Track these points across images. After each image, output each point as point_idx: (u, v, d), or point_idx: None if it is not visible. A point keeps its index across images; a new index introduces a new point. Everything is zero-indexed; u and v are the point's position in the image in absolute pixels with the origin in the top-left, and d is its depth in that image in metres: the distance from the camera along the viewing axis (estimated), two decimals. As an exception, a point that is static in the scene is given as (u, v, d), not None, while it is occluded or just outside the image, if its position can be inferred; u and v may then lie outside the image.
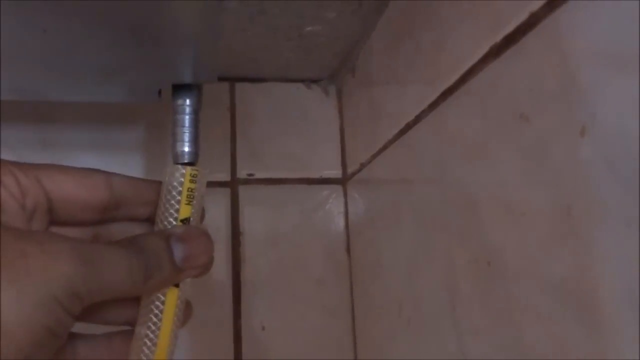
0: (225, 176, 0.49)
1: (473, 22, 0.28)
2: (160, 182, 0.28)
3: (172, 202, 0.28)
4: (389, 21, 0.40)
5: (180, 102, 0.33)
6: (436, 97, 0.32)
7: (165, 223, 0.27)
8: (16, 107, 0.45)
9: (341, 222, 0.50)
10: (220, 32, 0.28)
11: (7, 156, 0.46)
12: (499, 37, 0.26)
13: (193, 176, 0.28)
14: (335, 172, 0.51)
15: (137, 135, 0.48)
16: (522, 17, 0.24)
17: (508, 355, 0.25)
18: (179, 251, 0.25)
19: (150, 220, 0.29)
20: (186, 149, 0.32)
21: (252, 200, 0.49)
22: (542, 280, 0.23)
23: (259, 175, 0.49)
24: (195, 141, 0.32)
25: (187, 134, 0.32)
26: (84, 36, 0.27)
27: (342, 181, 0.51)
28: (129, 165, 0.47)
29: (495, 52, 0.26)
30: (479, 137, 0.28)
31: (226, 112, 0.50)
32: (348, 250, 0.50)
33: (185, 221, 0.27)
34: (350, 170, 0.50)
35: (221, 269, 0.47)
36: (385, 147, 0.40)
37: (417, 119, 0.35)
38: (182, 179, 0.28)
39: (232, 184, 0.49)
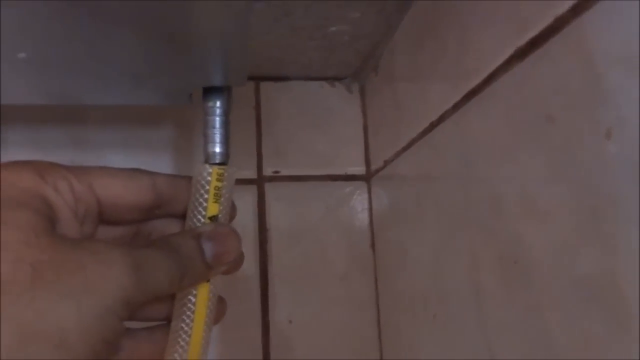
0: (251, 174, 0.50)
1: (497, 24, 0.29)
2: (188, 179, 0.30)
3: (201, 200, 0.29)
4: (412, 21, 0.41)
5: (210, 104, 0.34)
6: (460, 97, 0.33)
7: (195, 220, 0.28)
8: (47, 108, 0.47)
9: (365, 218, 0.51)
10: (249, 35, 0.29)
11: (38, 156, 0.47)
12: (524, 40, 0.26)
13: (220, 174, 0.29)
14: (359, 169, 0.51)
15: (166, 136, 0.49)
16: (548, 20, 0.24)
17: (534, 352, 0.26)
18: (208, 249, 0.26)
19: (185, 216, 0.30)
20: (217, 149, 0.33)
21: (278, 197, 0.50)
22: (568, 279, 0.23)
23: (284, 172, 0.50)
24: (226, 142, 0.33)
25: (217, 135, 0.33)
26: (119, 42, 0.28)
27: (366, 178, 0.51)
28: (157, 164, 0.48)
29: (520, 54, 0.26)
30: (504, 137, 0.28)
31: (252, 111, 0.51)
32: (372, 245, 0.50)
33: (214, 218, 0.28)
34: (374, 167, 0.50)
35: (249, 264, 0.48)
36: (409, 145, 0.41)
37: (441, 118, 0.35)
38: (209, 178, 0.29)
39: (259, 182, 0.50)
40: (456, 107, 0.33)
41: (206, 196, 0.29)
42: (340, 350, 0.48)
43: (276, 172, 0.50)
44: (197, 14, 0.26)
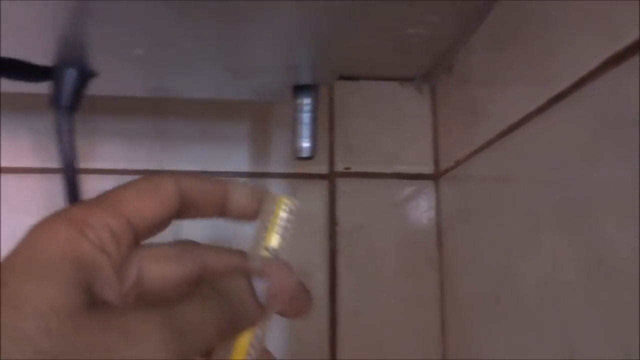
0: (324, 169, 0.51)
1: (589, 30, 0.29)
2: (226, 186, 0.27)
3: (262, 229, 0.26)
4: (492, 24, 0.41)
5: (299, 101, 0.36)
6: (545, 101, 0.33)
7: (254, 252, 0.26)
8: (135, 100, 0.50)
9: (432, 216, 0.52)
10: (345, 37, 0.31)
11: (123, 145, 0.50)
12: (618, 47, 0.27)
13: (286, 205, 0.27)
14: (428, 168, 0.52)
15: (242, 129, 0.51)
16: (647, 28, 0.25)
17: (617, 353, 0.26)
18: (260, 287, 0.24)
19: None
20: (306, 144, 0.35)
21: (348, 192, 0.51)
22: (661, 280, 0.24)
23: (355, 168, 0.52)
24: (314, 137, 0.35)
25: (306, 131, 0.35)
26: (225, 42, 0.30)
27: (434, 177, 0.52)
28: (233, 156, 0.51)
29: (614, 60, 0.27)
30: (591, 141, 0.29)
31: (325, 108, 0.52)
32: (439, 243, 0.51)
33: (272, 250, 0.26)
34: (443, 166, 0.51)
35: (318, 257, 0.50)
36: (485, 146, 0.42)
37: (523, 120, 0.36)
38: (274, 206, 0.26)
39: (330, 177, 0.52)
40: (540, 110, 0.34)
41: (267, 225, 0.26)
42: (404, 344, 0.50)
43: (347, 168, 0.52)
44: (300, 15, 0.28)
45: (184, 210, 0.25)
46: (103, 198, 0.23)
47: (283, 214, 0.26)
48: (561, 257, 0.32)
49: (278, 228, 0.26)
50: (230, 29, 0.28)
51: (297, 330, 0.49)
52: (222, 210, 0.26)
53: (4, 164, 0.49)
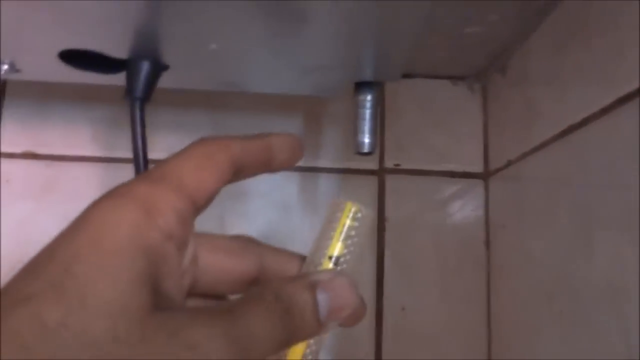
0: (374, 165, 0.52)
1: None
2: (269, 141, 0.25)
3: (326, 236, 0.25)
4: (554, 23, 0.41)
5: (362, 97, 0.36)
6: (610, 102, 0.33)
7: (315, 258, 0.25)
8: (191, 95, 0.51)
9: (481, 215, 0.52)
10: (414, 35, 0.31)
11: (181, 136, 0.52)
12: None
13: (354, 213, 0.25)
14: (477, 167, 0.53)
15: (296, 123, 0.52)
16: None
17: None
18: (323, 303, 0.22)
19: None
20: (366, 140, 0.36)
21: (397, 189, 0.52)
22: None
23: (404, 165, 0.52)
24: (375, 133, 0.36)
25: (367, 126, 0.36)
26: (295, 39, 0.31)
27: (483, 176, 0.52)
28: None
29: (689, 62, 0.27)
30: (659, 143, 0.29)
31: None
32: (487, 242, 0.51)
33: (335, 260, 0.24)
34: (493, 165, 0.51)
35: (367, 252, 0.51)
36: (541, 147, 0.42)
37: (584, 121, 0.36)
38: (340, 214, 0.25)
39: (380, 173, 0.52)
40: (605, 111, 0.34)
41: (332, 233, 0.25)
42: (448, 341, 0.50)
43: (397, 165, 0.52)
44: (375, 14, 0.28)
45: (237, 174, 0.24)
46: (164, 172, 0.21)
47: (349, 222, 0.25)
48: (621, 258, 0.32)
49: (343, 236, 0.24)
50: (296, 28, 0.29)
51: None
52: (268, 167, 0.25)
53: (63, 151, 0.51)
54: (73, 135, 0.52)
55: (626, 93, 0.32)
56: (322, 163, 0.52)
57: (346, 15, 0.28)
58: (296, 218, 0.50)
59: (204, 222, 0.24)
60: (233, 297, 0.26)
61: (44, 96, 0.52)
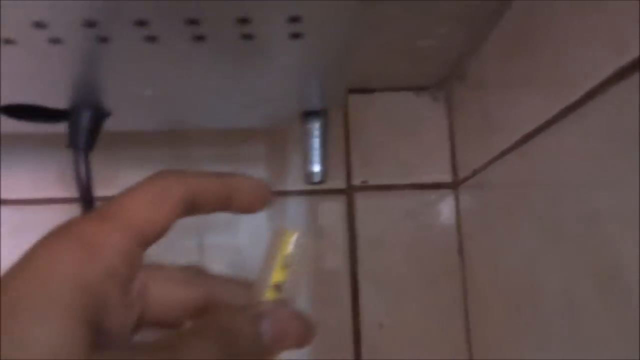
0: (341, 184, 0.52)
1: (601, 38, 0.29)
2: (230, 180, 0.26)
3: (268, 264, 0.26)
4: (503, 32, 0.41)
5: (309, 126, 0.36)
6: (558, 111, 0.33)
7: (259, 287, 0.25)
8: (154, 131, 0.51)
9: (452, 225, 0.52)
10: (349, 63, 0.31)
11: (143, 172, 0.52)
12: (625, 60, 0.26)
13: (294, 240, 0.26)
14: (446, 177, 0.52)
15: (258, 152, 0.52)
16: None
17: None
18: (267, 334, 0.23)
19: None
20: (316, 169, 0.35)
21: (366, 205, 0.52)
22: (676, 300, 0.23)
23: (372, 182, 0.52)
24: (324, 161, 0.36)
25: (316, 156, 0.36)
26: (232, 79, 0.31)
27: (452, 185, 0.52)
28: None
29: (622, 73, 0.27)
30: (603, 154, 0.29)
31: (340, 123, 0.52)
32: (460, 252, 0.51)
33: (279, 287, 0.25)
34: (461, 174, 0.51)
35: (340, 270, 0.51)
36: (501, 156, 0.41)
37: (536, 130, 0.36)
38: (280, 241, 0.26)
39: (348, 191, 0.52)
40: (553, 120, 0.33)
41: (274, 261, 0.25)
42: (429, 354, 0.50)
43: (364, 182, 0.52)
44: (302, 49, 0.28)
45: (191, 210, 0.24)
46: (113, 210, 0.21)
47: (290, 248, 0.25)
48: (578, 270, 0.31)
49: (284, 263, 0.25)
50: (235, 67, 0.28)
51: (320, 344, 0.49)
52: (227, 206, 0.25)
53: (30, 195, 0.51)
54: (40, 178, 0.52)
55: (568, 104, 0.31)
56: (290, 186, 0.51)
57: (279, 55, 0.28)
58: (264, 242, 0.50)
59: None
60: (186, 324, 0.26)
61: (10, 141, 0.52)
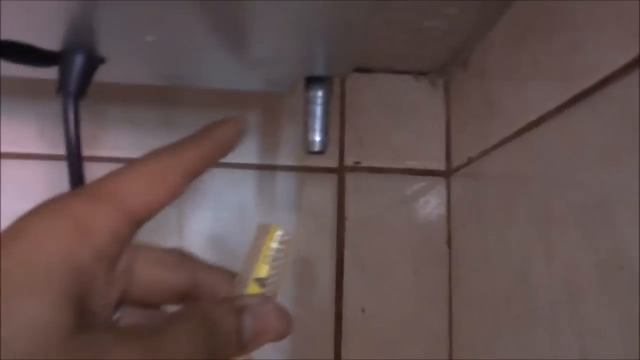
0: (333, 163, 0.50)
1: (616, 26, 0.28)
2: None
3: (253, 258, 0.26)
4: (513, 19, 0.40)
5: (312, 93, 0.35)
6: (566, 99, 0.32)
7: (242, 280, 0.26)
8: (145, 88, 0.49)
9: (443, 214, 0.51)
10: (362, 29, 0.29)
11: (131, 133, 0.49)
12: (646, 46, 0.26)
13: (279, 236, 0.26)
14: (439, 164, 0.51)
15: (253, 120, 0.50)
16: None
17: None
18: (248, 328, 0.23)
19: None
20: (317, 138, 0.34)
21: (357, 187, 0.50)
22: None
23: (365, 163, 0.51)
24: (326, 131, 0.34)
25: (318, 124, 0.34)
26: (236, 31, 0.29)
27: (445, 173, 0.51)
28: (242, 148, 0.49)
29: (637, 63, 0.26)
30: (613, 142, 0.28)
31: (336, 101, 0.51)
32: (448, 241, 0.50)
33: (260, 281, 0.26)
34: (455, 163, 0.50)
35: (325, 252, 0.49)
36: (500, 144, 0.41)
37: (542, 119, 0.35)
38: (266, 236, 0.26)
39: (340, 171, 0.51)
40: (561, 108, 0.33)
41: (258, 255, 0.26)
42: (410, 341, 0.49)
43: (357, 162, 0.51)
44: (314, 6, 0.27)
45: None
46: (106, 189, 0.22)
47: (274, 244, 0.26)
48: (577, 259, 0.31)
49: (269, 258, 0.25)
50: (242, 20, 0.27)
51: (302, 326, 0.48)
52: (215, 162, 0.26)
53: (7, 149, 0.49)
54: (19, 132, 0.49)
55: (581, 90, 0.31)
56: (280, 161, 0.50)
57: (290, 9, 0.26)
58: (252, 218, 0.49)
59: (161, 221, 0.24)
60: (166, 307, 0.26)
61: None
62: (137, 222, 0.22)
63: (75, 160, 0.31)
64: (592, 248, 0.29)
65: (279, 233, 0.26)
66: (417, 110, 0.52)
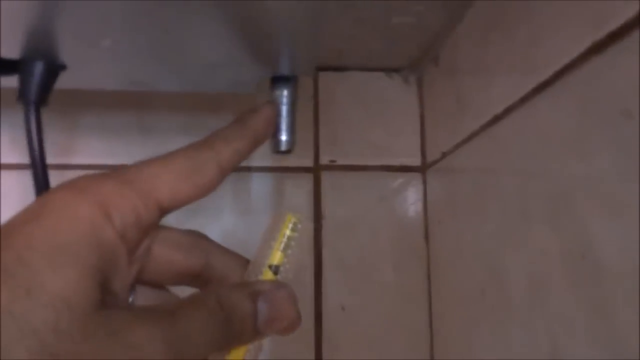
0: (308, 162, 0.50)
1: (573, 17, 0.28)
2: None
3: (267, 245, 0.26)
4: (478, 13, 0.40)
5: (278, 93, 0.34)
6: (529, 90, 0.32)
7: (256, 266, 0.26)
8: (117, 94, 0.49)
9: (420, 209, 0.51)
10: (321, 26, 0.30)
11: (103, 140, 0.49)
12: (602, 34, 0.26)
13: (294, 224, 0.26)
14: (415, 160, 0.52)
15: (225, 121, 0.50)
16: (629, 14, 0.24)
17: (601, 349, 0.26)
18: (263, 313, 0.23)
19: None
20: (283, 137, 0.34)
21: (333, 185, 0.50)
22: (643, 276, 0.23)
23: (340, 161, 0.51)
24: (292, 130, 0.34)
25: (284, 124, 0.34)
26: (196, 33, 0.29)
27: (421, 169, 0.52)
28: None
29: (597, 48, 0.26)
30: (575, 132, 0.28)
31: (310, 100, 0.51)
32: (426, 236, 0.51)
33: (274, 268, 0.25)
34: (430, 158, 0.50)
35: (303, 250, 0.49)
36: (470, 138, 0.41)
37: (507, 111, 0.35)
38: (281, 224, 0.26)
39: (315, 170, 0.51)
40: (524, 100, 0.33)
41: (273, 243, 0.26)
42: (390, 339, 0.49)
43: (332, 161, 0.51)
44: (273, 7, 0.27)
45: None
46: (138, 176, 0.22)
47: (289, 232, 0.26)
48: (547, 251, 0.31)
49: (283, 246, 0.26)
50: (200, 19, 0.27)
51: (282, 326, 0.48)
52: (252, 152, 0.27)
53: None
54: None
55: (541, 81, 0.31)
56: (255, 162, 0.50)
57: (238, 10, 0.26)
58: (228, 220, 0.49)
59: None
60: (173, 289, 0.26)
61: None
62: (163, 210, 0.22)
63: (39, 167, 0.31)
64: (558, 238, 0.30)
65: (294, 221, 0.26)
66: (391, 107, 0.52)
